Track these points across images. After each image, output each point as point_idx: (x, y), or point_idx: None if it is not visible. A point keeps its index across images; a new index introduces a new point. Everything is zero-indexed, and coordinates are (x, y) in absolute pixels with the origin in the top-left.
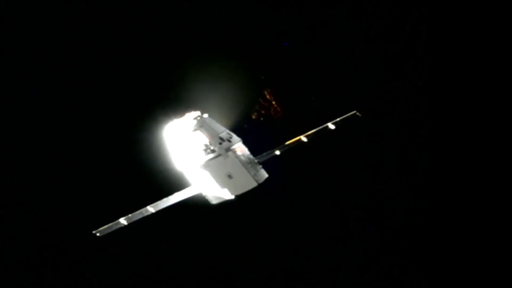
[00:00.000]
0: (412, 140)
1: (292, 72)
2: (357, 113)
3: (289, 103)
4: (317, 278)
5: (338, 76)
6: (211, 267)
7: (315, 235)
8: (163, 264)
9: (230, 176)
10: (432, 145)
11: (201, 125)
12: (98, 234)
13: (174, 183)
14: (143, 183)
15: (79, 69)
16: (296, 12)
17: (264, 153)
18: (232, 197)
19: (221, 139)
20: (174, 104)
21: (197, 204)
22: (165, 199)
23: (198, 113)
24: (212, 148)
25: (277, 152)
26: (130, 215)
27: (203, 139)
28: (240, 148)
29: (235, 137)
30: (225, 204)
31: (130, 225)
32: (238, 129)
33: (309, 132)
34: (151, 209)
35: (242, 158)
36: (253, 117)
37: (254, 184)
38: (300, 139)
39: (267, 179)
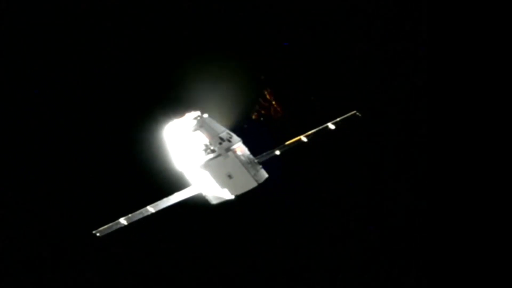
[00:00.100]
0: (412, 140)
1: (292, 72)
2: (357, 113)
3: (289, 103)
4: (317, 278)
5: (338, 76)
6: (211, 267)
7: (315, 235)
8: (163, 264)
9: (230, 176)
10: (432, 145)
11: (201, 125)
12: (98, 234)
13: (174, 183)
14: (143, 183)
15: (79, 69)
16: (296, 12)
17: (264, 153)
18: (232, 197)
19: (221, 139)
20: (174, 104)
21: (197, 204)
22: (165, 199)
23: (198, 113)
24: (212, 148)
25: (277, 152)
26: (130, 215)
27: (203, 139)
28: (240, 148)
29: (235, 137)
30: (225, 204)
31: (130, 225)
32: (238, 129)
33: (309, 132)
34: (151, 209)
35: (242, 158)
36: (253, 117)
37: (254, 184)
38: (300, 139)
39: (267, 179)
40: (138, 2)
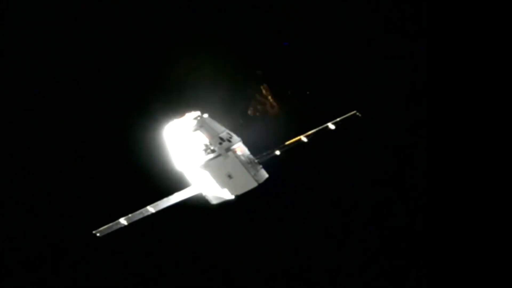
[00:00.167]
0: (412, 140)
1: (292, 72)
2: (357, 113)
3: (289, 103)
4: (317, 278)
5: (338, 76)
6: (211, 267)
7: (315, 235)
8: (163, 264)
9: (230, 176)
10: (432, 145)
11: (201, 125)
12: (98, 234)
13: (174, 183)
14: (143, 183)
15: (79, 69)
16: (296, 12)
17: (264, 153)
18: (232, 197)
19: (221, 139)
20: (174, 104)
21: (197, 204)
22: (165, 199)
23: (198, 113)
24: (212, 148)
25: (277, 152)
26: (130, 215)
27: (203, 139)
28: (240, 148)
29: (235, 137)
30: (225, 204)
31: (130, 225)
32: (237, 129)
33: (309, 132)
34: (151, 209)
35: (242, 158)
36: (249, 112)
37: (254, 184)
38: (300, 139)
39: (267, 179)
40: (138, 2)
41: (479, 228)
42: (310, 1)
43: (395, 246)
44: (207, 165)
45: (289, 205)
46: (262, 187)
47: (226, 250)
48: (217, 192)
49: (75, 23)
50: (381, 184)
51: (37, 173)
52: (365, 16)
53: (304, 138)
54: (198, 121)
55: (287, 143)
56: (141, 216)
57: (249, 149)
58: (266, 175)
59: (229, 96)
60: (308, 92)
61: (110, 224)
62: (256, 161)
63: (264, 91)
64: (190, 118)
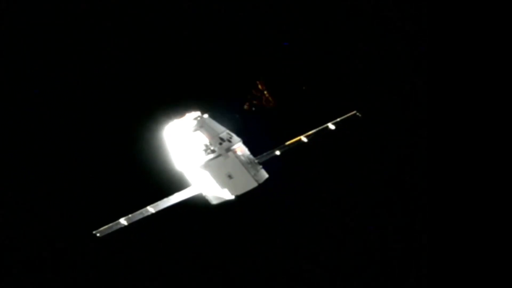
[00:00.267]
0: (412, 140)
1: (292, 72)
2: (357, 113)
3: (289, 103)
4: (317, 278)
5: (338, 76)
6: (211, 267)
7: (315, 235)
8: (163, 264)
9: (230, 176)
10: (432, 145)
11: (201, 125)
12: (98, 235)
13: (174, 183)
14: (143, 183)
15: (79, 69)
16: (296, 12)
17: (264, 153)
18: (232, 197)
19: (221, 139)
20: (174, 104)
21: (197, 205)
22: (165, 199)
23: (198, 113)
24: (212, 148)
25: (277, 152)
26: (130, 215)
27: (203, 139)
28: (240, 148)
29: (235, 137)
30: (225, 204)
31: (130, 225)
32: (237, 129)
33: (309, 132)
34: (151, 209)
35: (242, 158)
36: (245, 107)
37: (254, 184)
38: (300, 139)
39: (267, 179)
40: (138, 2)
41: (479, 228)
42: (310, 1)
43: (395, 246)
44: (207, 165)
45: (289, 205)
46: (262, 187)
47: (226, 250)
48: (217, 192)
49: (75, 23)
50: (381, 184)
51: (37, 173)
52: (365, 16)
53: (304, 138)
54: (198, 121)
55: (287, 143)
56: (141, 216)
57: (249, 149)
58: (266, 175)
59: (230, 97)
60: (304, 87)
61: (110, 224)
62: (256, 161)
63: (259, 86)
64: (190, 118)
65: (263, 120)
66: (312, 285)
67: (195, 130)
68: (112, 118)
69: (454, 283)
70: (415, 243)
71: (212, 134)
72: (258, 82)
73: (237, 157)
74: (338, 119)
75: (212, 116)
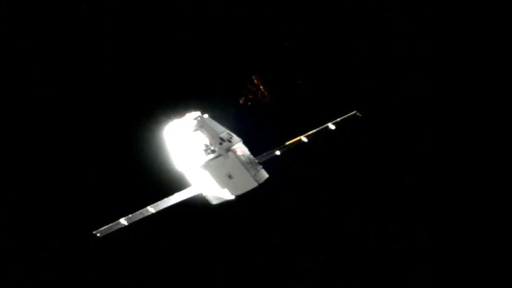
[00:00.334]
0: (412, 140)
1: (292, 72)
2: (357, 113)
3: (289, 103)
4: (317, 278)
5: (338, 76)
6: (211, 267)
7: (315, 235)
8: (163, 264)
9: (230, 176)
10: (432, 145)
11: (201, 125)
12: (98, 235)
13: (174, 183)
14: (143, 183)
15: (79, 69)
16: (296, 12)
17: (264, 153)
18: (232, 197)
19: (222, 139)
20: (174, 104)
21: (197, 205)
22: (165, 200)
23: (198, 113)
24: (212, 148)
25: (277, 152)
26: (130, 215)
27: (203, 139)
28: (240, 148)
29: (235, 137)
30: (225, 204)
31: (131, 225)
32: (237, 129)
33: (309, 132)
34: (151, 209)
35: (243, 158)
36: (241, 101)
37: (254, 184)
38: (300, 139)
39: (267, 179)
40: (138, 2)
41: (479, 228)
42: (310, 1)
43: (395, 246)
44: (207, 165)
45: (289, 205)
46: (262, 187)
47: (226, 250)
48: (217, 192)
49: (75, 23)
50: (381, 184)
51: (37, 173)
52: (365, 16)
53: (304, 138)
54: (198, 121)
55: (287, 143)
56: (141, 216)
57: (249, 149)
58: (266, 175)
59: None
60: (299, 82)
61: (110, 224)
62: (256, 161)
63: (255, 80)
64: (190, 118)
65: (263, 120)
66: (312, 285)
67: (195, 130)
68: (112, 118)
69: (454, 283)
70: (415, 243)
71: (212, 134)
72: (253, 76)
73: (237, 157)
74: (338, 119)
75: (212, 116)
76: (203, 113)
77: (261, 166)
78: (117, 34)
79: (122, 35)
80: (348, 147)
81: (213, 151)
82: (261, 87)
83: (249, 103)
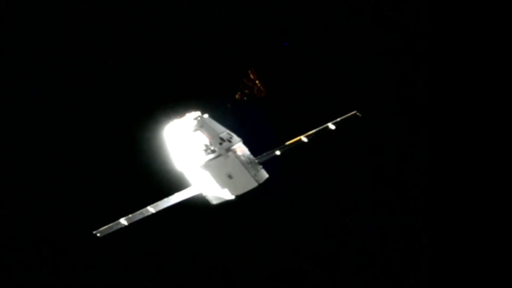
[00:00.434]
0: (412, 140)
1: (292, 72)
2: (357, 113)
3: (289, 103)
4: (317, 278)
5: (338, 76)
6: (211, 267)
7: (315, 235)
8: (163, 264)
9: (230, 176)
10: (432, 145)
11: (201, 125)
12: (98, 235)
13: (174, 183)
14: (143, 183)
15: (79, 69)
16: (296, 12)
17: (265, 153)
18: (232, 197)
19: (222, 139)
20: (174, 104)
21: (197, 205)
22: (165, 200)
23: (198, 113)
24: (212, 148)
25: (277, 152)
26: (130, 215)
27: (203, 139)
28: (240, 148)
29: (235, 137)
30: (225, 204)
31: (131, 225)
32: (237, 129)
33: (309, 132)
34: (151, 209)
35: (243, 158)
36: (237, 96)
37: (254, 184)
38: (300, 139)
39: (267, 179)
40: (138, 2)
41: (479, 228)
42: (310, 1)
43: (395, 246)
44: (207, 165)
45: (289, 205)
46: (262, 187)
47: (226, 250)
48: (217, 192)
49: (75, 23)
50: (381, 184)
51: (37, 173)
52: (365, 16)
53: (304, 138)
54: (198, 121)
55: (287, 143)
56: (141, 216)
57: (249, 149)
58: (266, 175)
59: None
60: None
61: (110, 224)
62: (256, 161)
63: (251, 75)
64: (190, 118)
65: (263, 120)
66: (312, 285)
67: (195, 130)
68: (112, 118)
69: (454, 283)
70: (415, 243)
71: (212, 134)
72: (249, 71)
73: (237, 157)
74: (338, 119)
75: (212, 116)
76: (203, 113)
77: (261, 166)
78: (117, 34)
79: (122, 35)
80: (348, 147)
81: (213, 151)
82: (257, 82)
83: (245, 98)
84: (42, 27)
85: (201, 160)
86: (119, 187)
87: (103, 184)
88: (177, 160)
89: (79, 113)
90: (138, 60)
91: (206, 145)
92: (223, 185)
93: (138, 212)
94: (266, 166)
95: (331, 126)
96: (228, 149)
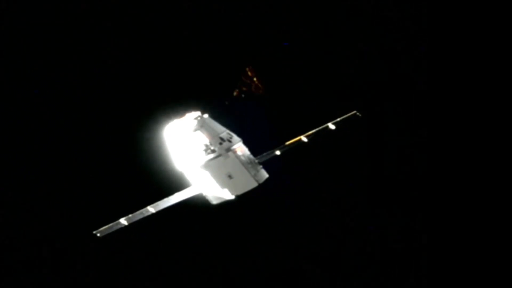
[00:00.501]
0: (412, 140)
1: (292, 72)
2: (357, 113)
3: (289, 102)
4: (317, 278)
5: (338, 76)
6: (211, 267)
7: (315, 235)
8: (163, 264)
9: (230, 176)
10: (432, 145)
11: (202, 125)
12: (98, 235)
13: (174, 183)
14: (143, 183)
15: (79, 69)
16: (296, 12)
17: (265, 153)
18: (232, 197)
19: (222, 139)
20: (174, 104)
21: (197, 205)
22: (165, 199)
23: (198, 113)
24: (212, 148)
25: (277, 152)
26: (130, 215)
27: (203, 139)
28: (240, 148)
29: (235, 137)
30: (225, 204)
31: (131, 225)
32: (237, 129)
33: (309, 132)
34: (151, 209)
35: (243, 158)
36: (235, 94)
37: (254, 184)
38: (300, 139)
39: (267, 179)
40: (138, 2)
41: (479, 228)
42: (310, 1)
43: (395, 246)
44: (207, 165)
45: (289, 205)
46: (262, 187)
47: (226, 250)
48: (217, 192)
49: (75, 23)
50: (381, 184)
51: (37, 173)
52: (365, 16)
53: (304, 138)
54: (198, 121)
55: (287, 143)
56: (141, 216)
57: (249, 149)
58: (267, 175)
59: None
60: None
61: (110, 224)
62: (256, 161)
63: (249, 73)
64: (190, 118)
65: (263, 121)
66: (312, 285)
67: (195, 130)
68: (112, 118)
69: (454, 283)
70: (415, 243)
71: (212, 134)
72: (247, 68)
73: (237, 157)
74: (338, 119)
75: (212, 116)
76: (203, 113)
77: (261, 166)
78: (117, 34)
79: (122, 35)
80: (348, 147)
81: (213, 151)
82: (255, 79)
83: (243, 95)
84: (42, 27)
85: (201, 160)
86: (119, 187)
87: (103, 184)
88: (177, 160)
89: (79, 113)
90: (138, 60)
91: (206, 145)
92: (223, 185)
93: (138, 212)
94: (266, 166)
95: (331, 126)
96: (228, 149)
